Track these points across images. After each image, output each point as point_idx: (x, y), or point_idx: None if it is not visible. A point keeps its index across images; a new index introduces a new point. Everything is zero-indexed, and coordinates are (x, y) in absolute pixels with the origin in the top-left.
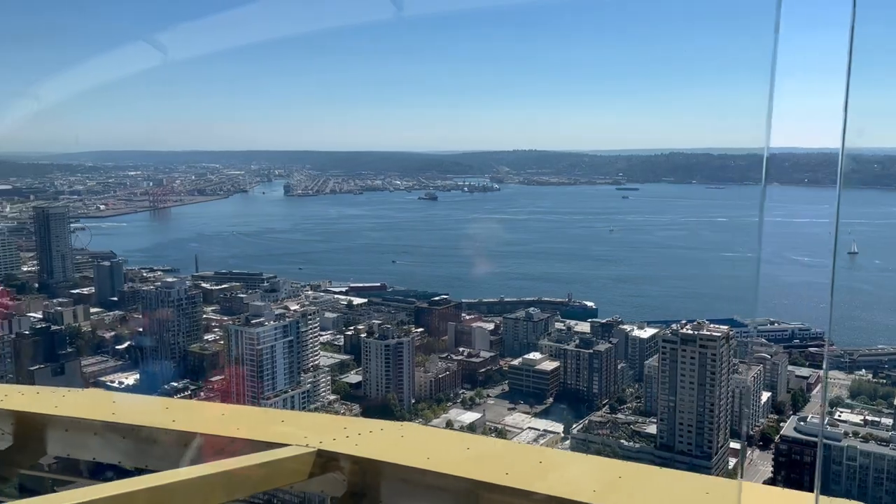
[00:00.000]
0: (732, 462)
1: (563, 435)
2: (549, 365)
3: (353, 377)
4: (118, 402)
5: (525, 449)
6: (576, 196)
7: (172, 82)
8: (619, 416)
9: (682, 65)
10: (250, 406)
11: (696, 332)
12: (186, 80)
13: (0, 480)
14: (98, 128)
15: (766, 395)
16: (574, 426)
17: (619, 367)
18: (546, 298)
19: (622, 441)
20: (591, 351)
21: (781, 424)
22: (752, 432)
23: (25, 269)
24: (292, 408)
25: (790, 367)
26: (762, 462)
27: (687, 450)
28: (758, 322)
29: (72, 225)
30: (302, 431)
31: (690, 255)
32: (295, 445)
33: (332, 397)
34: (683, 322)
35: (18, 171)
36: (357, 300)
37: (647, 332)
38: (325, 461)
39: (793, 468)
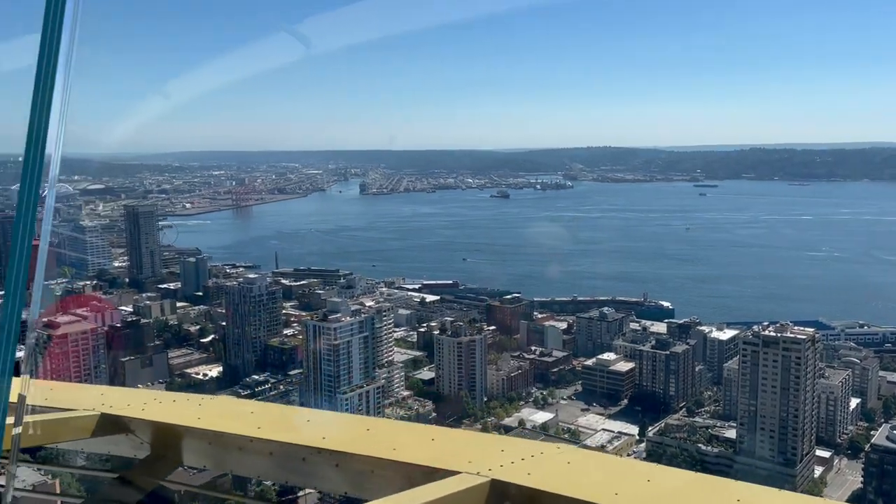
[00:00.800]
0: (819, 470)
1: (637, 437)
2: (624, 366)
3: (426, 374)
4: (257, 414)
5: (716, 483)
6: (651, 193)
7: (256, 85)
8: (697, 419)
9: (762, 58)
10: (392, 420)
11: (779, 335)
12: (268, 84)
13: (137, 490)
14: (184, 128)
15: (854, 402)
16: (650, 429)
17: (696, 369)
18: (620, 298)
19: (700, 445)
20: (667, 352)
21: (872, 433)
22: (839, 440)
23: (117, 264)
24: (367, 402)
25: (881, 373)
26: (851, 472)
27: (769, 456)
28: (846, 325)
29: (160, 222)
30: (462, 453)
31: (772, 254)
32: (466, 474)
33: (406, 393)
34: (765, 324)
35: (111, 172)
36: (430, 297)
37: (727, 334)
38: (498, 493)
39: (885, 479)
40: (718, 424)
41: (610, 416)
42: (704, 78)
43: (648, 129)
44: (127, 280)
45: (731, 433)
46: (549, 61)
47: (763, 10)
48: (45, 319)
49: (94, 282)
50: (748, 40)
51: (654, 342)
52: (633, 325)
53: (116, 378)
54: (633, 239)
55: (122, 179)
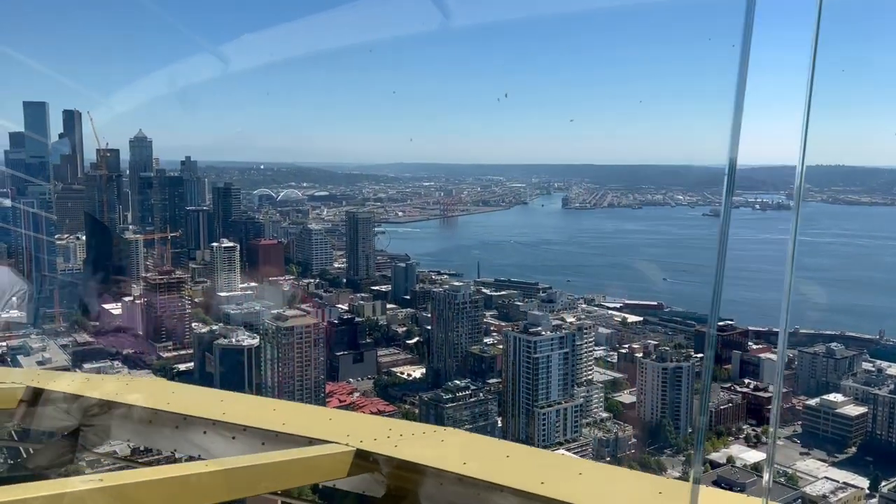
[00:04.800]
0: None
1: (867, 491)
2: (854, 410)
3: (627, 397)
4: (512, 458)
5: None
6: (894, 219)
7: (463, 99)
8: None
9: None
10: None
11: None
12: (474, 96)
13: None
14: (401, 141)
15: None
16: (883, 483)
17: None
18: (850, 333)
19: None
20: None
21: None
22: None
23: (336, 265)
24: (565, 420)
25: None
26: None
27: None
28: None
29: (375, 229)
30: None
31: None
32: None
33: (605, 415)
34: None
35: (335, 180)
36: (631, 317)
37: None
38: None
39: None
40: None
41: (834, 464)
42: None
43: (892, 145)
44: (345, 280)
45: None
46: (769, 70)
47: None
48: (274, 312)
49: (317, 280)
50: None
51: (892, 386)
52: (866, 365)
53: (332, 370)
54: (867, 268)
55: (344, 187)
